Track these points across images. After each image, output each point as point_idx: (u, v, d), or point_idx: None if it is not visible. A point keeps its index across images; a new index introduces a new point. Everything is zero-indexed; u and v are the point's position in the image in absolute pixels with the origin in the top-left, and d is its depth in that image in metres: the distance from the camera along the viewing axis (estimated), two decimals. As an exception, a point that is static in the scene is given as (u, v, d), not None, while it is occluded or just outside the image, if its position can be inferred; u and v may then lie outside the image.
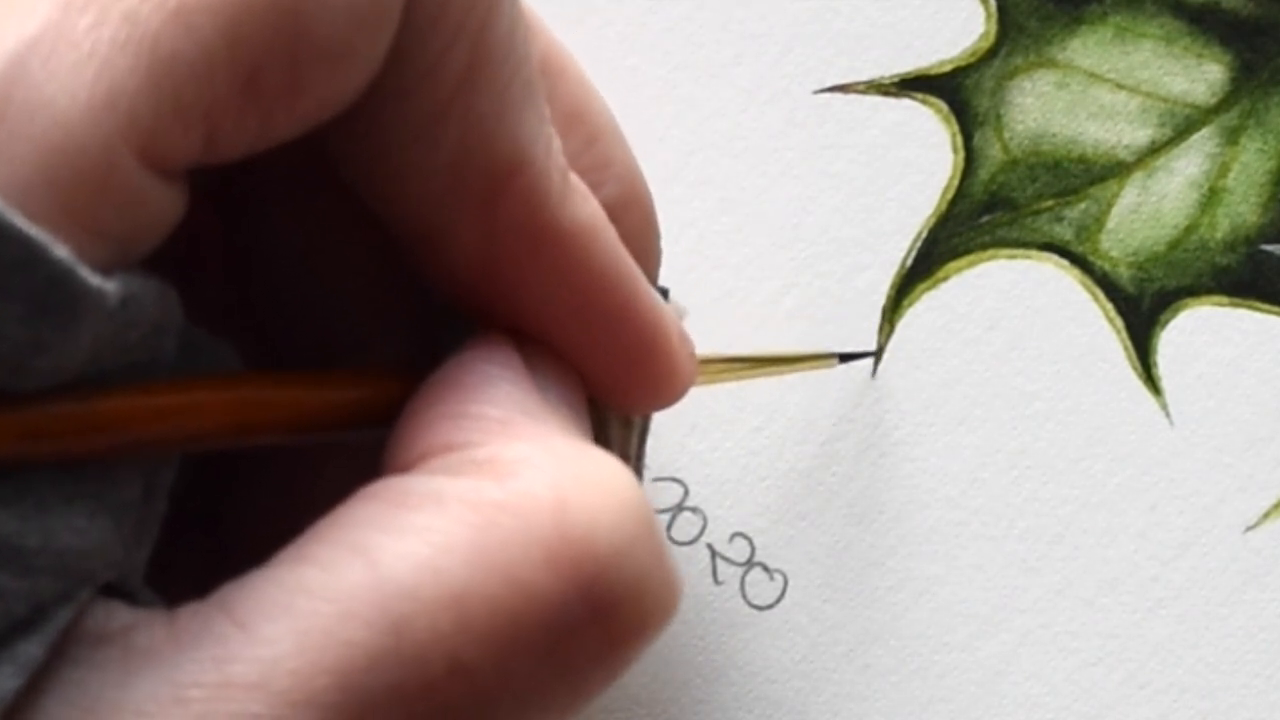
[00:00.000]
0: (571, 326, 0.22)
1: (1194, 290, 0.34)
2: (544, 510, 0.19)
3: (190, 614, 0.19)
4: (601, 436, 0.24)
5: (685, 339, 0.25)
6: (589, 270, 0.22)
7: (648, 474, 0.33)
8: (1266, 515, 0.34)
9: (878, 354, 0.33)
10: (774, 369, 0.32)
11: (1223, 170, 0.34)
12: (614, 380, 0.23)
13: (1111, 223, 0.34)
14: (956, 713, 0.33)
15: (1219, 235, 0.34)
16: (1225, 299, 0.34)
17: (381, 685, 0.18)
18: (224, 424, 0.19)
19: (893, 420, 0.33)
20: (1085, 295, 0.34)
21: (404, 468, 0.20)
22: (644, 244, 0.25)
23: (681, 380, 0.24)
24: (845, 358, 0.32)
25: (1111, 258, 0.34)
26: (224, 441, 0.20)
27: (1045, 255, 0.34)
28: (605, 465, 0.20)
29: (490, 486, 0.19)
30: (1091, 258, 0.34)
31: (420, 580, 0.18)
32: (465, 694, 0.18)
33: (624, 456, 0.24)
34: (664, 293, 0.25)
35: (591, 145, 0.25)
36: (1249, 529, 0.34)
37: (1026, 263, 0.34)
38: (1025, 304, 0.34)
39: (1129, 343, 0.34)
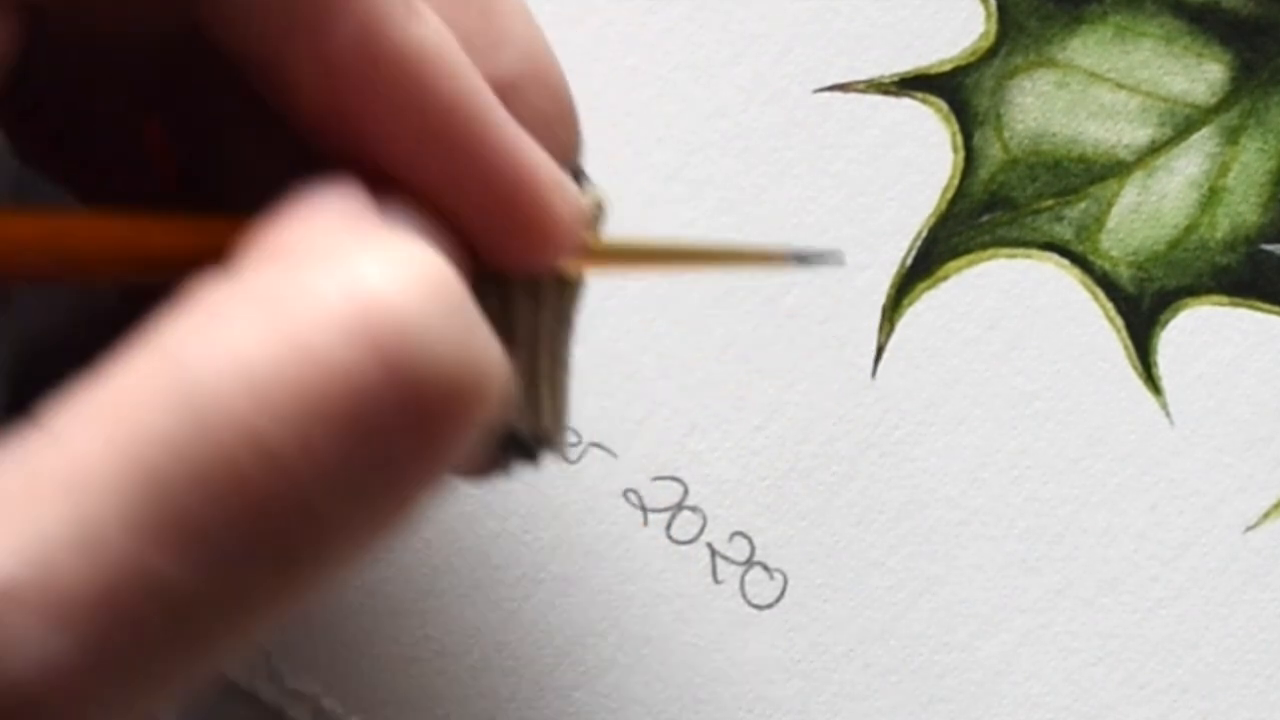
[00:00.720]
0: (423, 161, 0.21)
1: (1194, 290, 0.34)
2: (341, 288, 0.18)
3: None
4: (506, 311, 0.23)
5: (569, 195, 0.23)
6: (435, 96, 0.21)
7: (651, 470, 0.33)
8: (1266, 515, 0.34)
9: (879, 352, 0.33)
10: (713, 262, 0.29)
11: (1223, 170, 0.34)
12: (477, 225, 0.22)
13: (1111, 222, 0.34)
14: (956, 712, 0.33)
15: (1219, 235, 0.34)
16: (1225, 299, 0.34)
17: (186, 475, 0.18)
18: (44, 254, 0.19)
19: (893, 420, 0.33)
20: (1085, 295, 0.34)
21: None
22: (548, 122, 0.24)
23: (555, 230, 0.22)
24: (802, 259, 0.26)
25: (1112, 257, 0.34)
26: (47, 272, 0.19)
27: (1045, 255, 0.34)
28: (413, 247, 0.19)
29: (287, 270, 0.19)
30: (1092, 257, 0.34)
31: (218, 366, 0.18)
32: (274, 479, 0.18)
33: (532, 337, 0.23)
34: (579, 176, 0.24)
35: (488, 17, 0.24)
36: (1249, 529, 0.34)
37: (1027, 262, 0.34)
38: (1025, 304, 0.34)
39: (1129, 342, 0.34)
